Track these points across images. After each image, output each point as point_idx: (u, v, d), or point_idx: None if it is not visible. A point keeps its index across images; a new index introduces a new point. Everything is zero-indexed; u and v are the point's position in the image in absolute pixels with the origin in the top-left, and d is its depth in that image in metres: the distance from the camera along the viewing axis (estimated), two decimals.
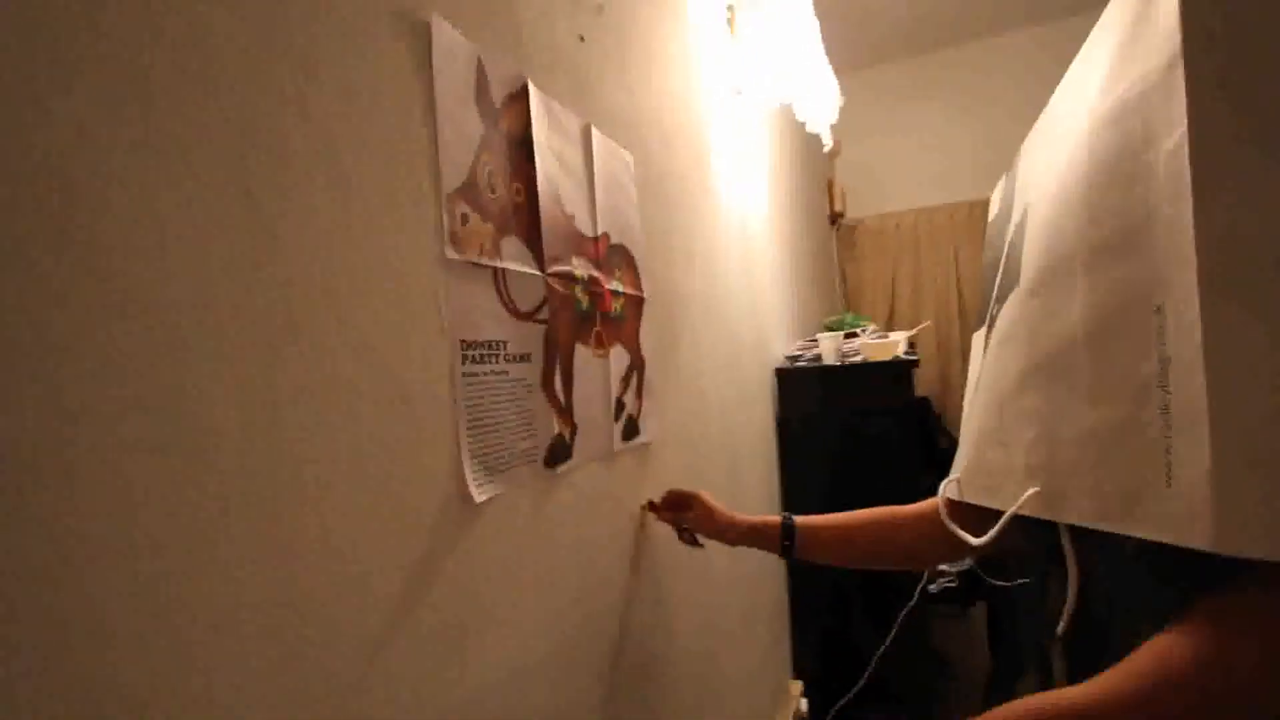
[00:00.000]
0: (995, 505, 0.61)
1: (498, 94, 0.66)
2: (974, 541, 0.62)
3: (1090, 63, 0.56)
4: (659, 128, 1.10)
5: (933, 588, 2.12)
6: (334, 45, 0.48)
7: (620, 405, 0.89)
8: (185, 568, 0.36)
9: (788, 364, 1.93)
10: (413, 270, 0.54)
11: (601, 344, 0.84)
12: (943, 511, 0.69)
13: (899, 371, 1.79)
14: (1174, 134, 0.41)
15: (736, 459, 1.45)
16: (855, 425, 1.79)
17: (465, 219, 0.60)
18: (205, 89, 0.39)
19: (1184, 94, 0.40)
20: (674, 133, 1.17)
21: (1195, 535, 0.39)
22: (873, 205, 3.52)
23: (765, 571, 1.67)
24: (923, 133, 3.41)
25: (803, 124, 1.77)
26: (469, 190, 0.60)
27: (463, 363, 0.58)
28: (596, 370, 0.82)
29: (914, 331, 1.96)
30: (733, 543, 0.90)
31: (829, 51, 1.85)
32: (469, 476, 0.58)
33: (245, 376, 0.40)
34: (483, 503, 0.59)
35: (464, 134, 0.60)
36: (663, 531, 1.02)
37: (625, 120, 0.97)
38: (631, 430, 0.92)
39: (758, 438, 1.67)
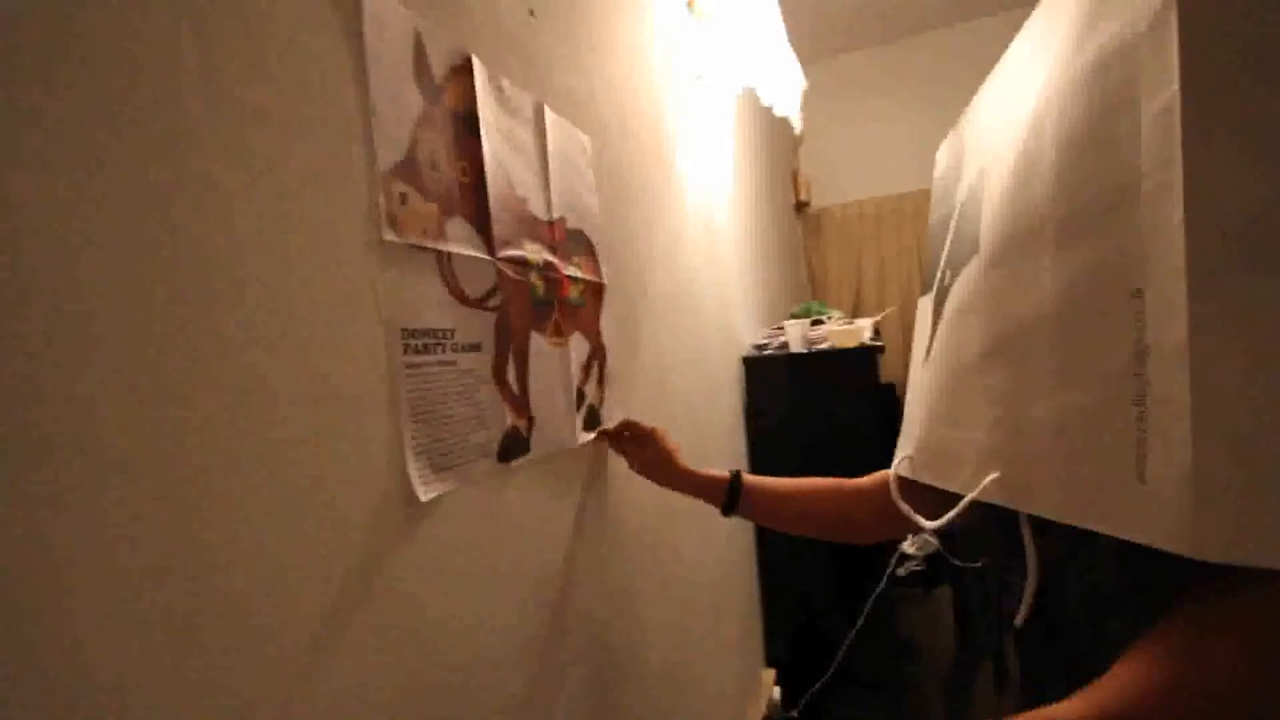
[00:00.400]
0: (951, 488, 0.58)
1: (439, 67, 0.62)
2: (927, 526, 0.60)
3: (1058, 10, 0.51)
4: (617, 110, 1.07)
5: (901, 571, 2.15)
6: (255, 7, 0.43)
7: (581, 395, 0.86)
8: (76, 584, 0.32)
9: (755, 352, 1.92)
10: (343, 254, 0.50)
11: (560, 332, 0.81)
12: (894, 491, 0.67)
13: (866, 358, 1.79)
14: (1163, 93, 0.36)
15: (703, 449, 1.43)
16: (824, 413, 1.79)
17: (404, 199, 0.56)
18: (73, 41, 0.34)
19: (1176, 46, 0.35)
20: (633, 116, 1.14)
21: (1171, 537, 0.35)
22: (837, 194, 3.54)
23: (736, 561, 1.66)
24: (886, 121, 3.44)
25: (767, 111, 1.75)
26: (408, 168, 0.57)
27: (404, 353, 0.55)
28: (555, 359, 0.79)
29: (879, 317, 1.97)
30: (679, 490, 0.89)
31: (791, 41, 1.84)
32: (413, 474, 0.54)
33: (133, 374, 0.35)
34: (430, 500, 0.56)
35: (401, 108, 0.56)
36: (630, 519, 1.00)
37: (581, 101, 0.94)
38: (594, 421, 0.90)
39: (725, 427, 1.66)
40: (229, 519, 0.40)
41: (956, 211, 0.65)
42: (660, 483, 0.90)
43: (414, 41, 0.59)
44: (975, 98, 0.69)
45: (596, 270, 0.93)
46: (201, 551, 0.38)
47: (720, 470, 0.87)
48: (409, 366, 0.55)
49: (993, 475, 0.52)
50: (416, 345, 0.56)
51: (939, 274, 0.66)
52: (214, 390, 0.39)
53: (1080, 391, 0.44)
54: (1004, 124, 0.57)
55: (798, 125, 1.79)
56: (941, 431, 0.63)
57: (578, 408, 0.85)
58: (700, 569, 1.34)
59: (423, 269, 0.58)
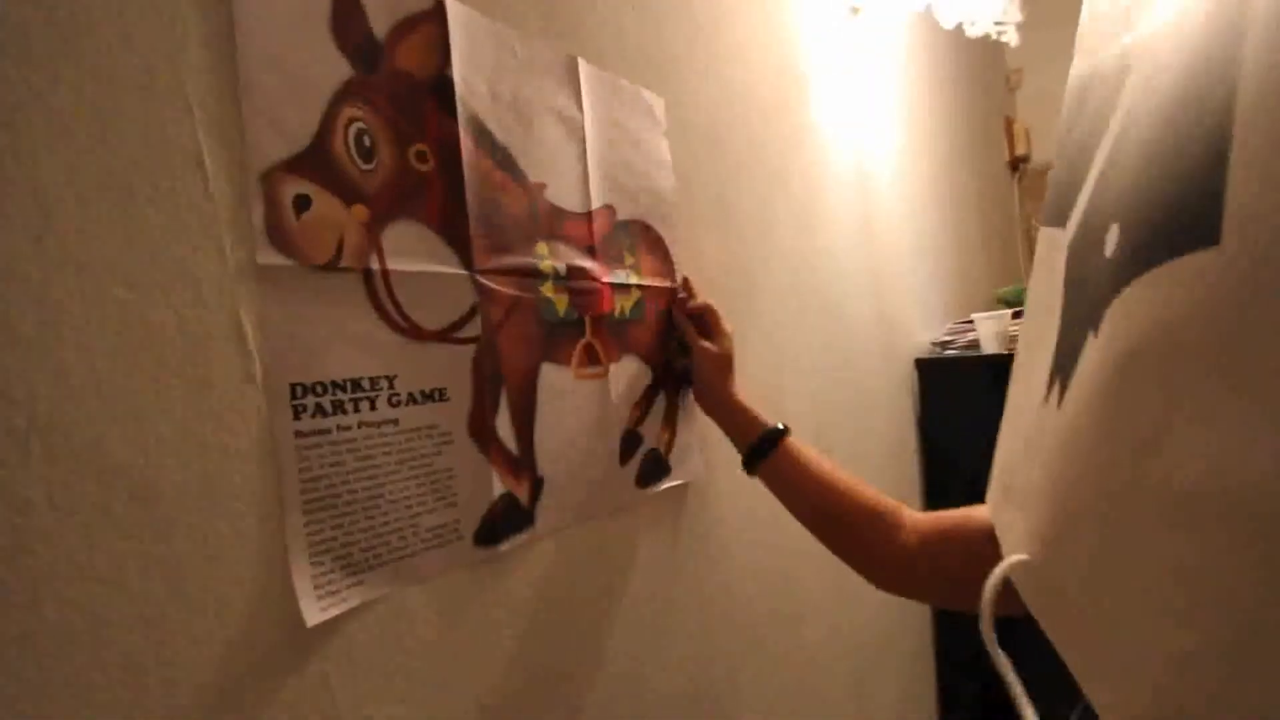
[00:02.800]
0: (1004, 552, 0.36)
1: (380, 18, 0.46)
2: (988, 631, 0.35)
3: None
4: (710, 58, 0.83)
5: None
6: None
7: (633, 438, 0.66)
8: None
9: (935, 352, 1.54)
10: (182, 290, 0.36)
11: (594, 359, 0.61)
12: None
13: None
14: None
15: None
16: None
17: (303, 203, 0.40)
18: None
19: None
20: (740, 64, 0.89)
21: None
22: None
23: (898, 613, 1.34)
24: None
25: (961, 46, 1.35)
26: (313, 161, 0.41)
27: (295, 417, 0.40)
28: (585, 396, 0.60)
29: None
30: (711, 410, 0.69)
31: None
32: (302, 586, 0.39)
33: None
34: (336, 618, 0.41)
35: (301, 80, 0.41)
36: (721, 588, 0.78)
37: (648, 51, 0.72)
38: (657, 470, 0.69)
39: (882, 450, 1.33)
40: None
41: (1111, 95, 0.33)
42: (700, 390, 0.69)
43: None
44: None
45: (666, 270, 0.72)
46: None
47: (765, 416, 0.65)
48: (304, 435, 0.40)
49: (1018, 557, 0.33)
50: (318, 405, 0.41)
51: (1086, 189, 0.34)
52: None
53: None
54: None
55: (1013, 38, 1.31)
56: (1009, 448, 0.40)
57: (625, 457, 0.65)
58: (836, 638, 1.07)
59: (337, 297, 0.42)
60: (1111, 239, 0.29)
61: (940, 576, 0.50)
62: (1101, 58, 0.36)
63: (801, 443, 0.63)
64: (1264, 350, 0.21)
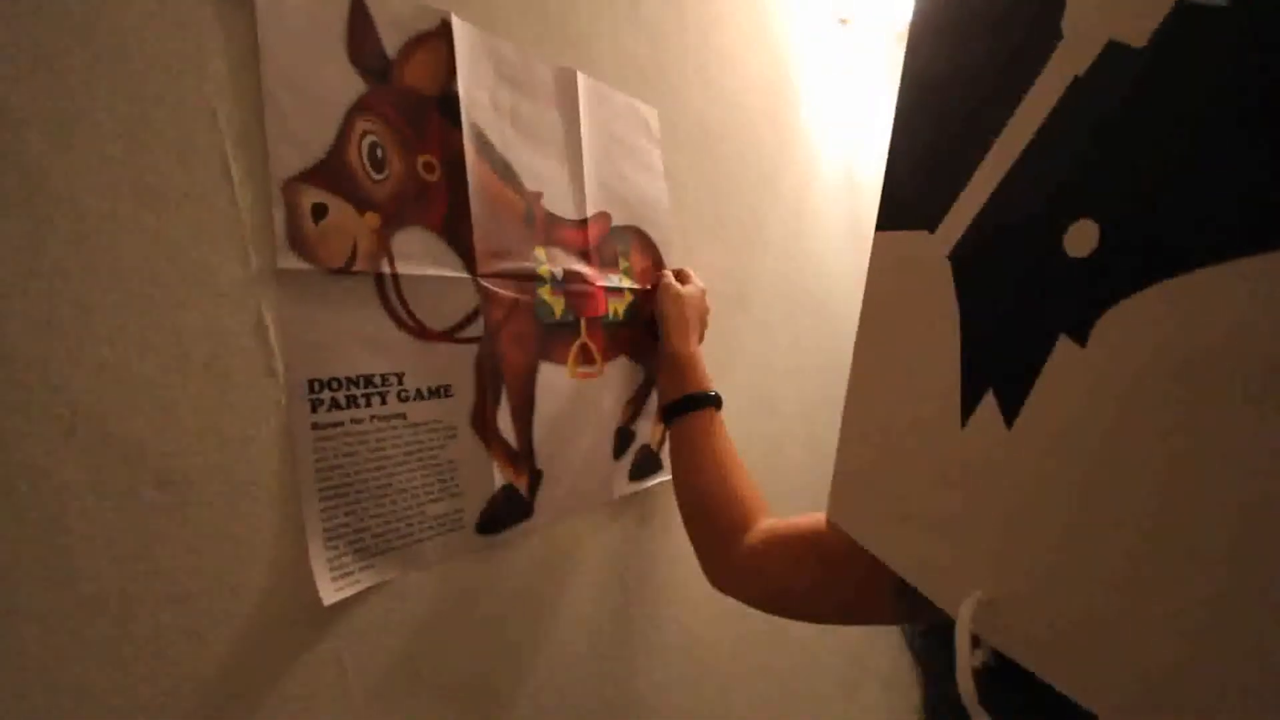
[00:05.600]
0: (891, 561, 0.35)
1: (391, 36, 0.49)
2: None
3: None
4: (701, 70, 0.86)
5: None
6: None
7: (627, 435, 0.69)
8: None
9: None
10: (207, 292, 0.38)
11: (589, 359, 0.64)
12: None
13: None
14: None
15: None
16: None
17: (320, 211, 0.43)
18: None
19: None
20: (733, 78, 0.92)
21: None
22: None
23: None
24: None
25: None
26: (329, 171, 0.44)
27: (312, 410, 0.42)
28: (579, 394, 0.63)
29: None
30: (668, 356, 0.67)
31: None
32: (319, 567, 0.42)
33: None
34: (346, 600, 0.43)
35: (319, 96, 0.44)
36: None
37: (642, 65, 0.75)
38: (649, 465, 0.72)
39: None
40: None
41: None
42: (665, 330, 0.68)
43: (348, 5, 0.46)
44: None
45: (658, 275, 0.75)
46: None
47: (707, 380, 0.65)
48: (319, 428, 0.43)
49: (977, 594, 0.29)
50: (333, 400, 0.44)
51: (979, 184, 0.30)
52: None
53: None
54: None
55: None
56: (899, 471, 0.35)
57: (619, 452, 0.68)
58: (825, 632, 1.10)
59: (351, 299, 0.45)
60: (1083, 236, 0.26)
61: (763, 582, 0.50)
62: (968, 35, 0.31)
63: (720, 419, 0.63)
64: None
